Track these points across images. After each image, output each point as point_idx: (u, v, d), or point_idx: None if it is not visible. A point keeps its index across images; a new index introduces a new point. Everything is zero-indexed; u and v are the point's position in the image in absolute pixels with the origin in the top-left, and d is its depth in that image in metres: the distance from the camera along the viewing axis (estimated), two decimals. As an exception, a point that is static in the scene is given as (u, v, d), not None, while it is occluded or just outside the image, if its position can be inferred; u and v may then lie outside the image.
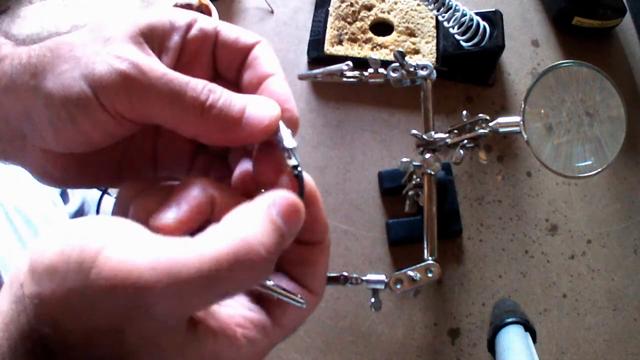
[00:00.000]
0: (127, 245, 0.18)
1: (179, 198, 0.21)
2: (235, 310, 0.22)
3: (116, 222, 0.20)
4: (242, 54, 0.25)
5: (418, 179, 0.54)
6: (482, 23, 0.66)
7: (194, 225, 0.21)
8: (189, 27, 0.24)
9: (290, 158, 0.23)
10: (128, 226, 0.20)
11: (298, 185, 0.23)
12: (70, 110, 0.22)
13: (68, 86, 0.21)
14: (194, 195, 0.21)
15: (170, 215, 0.21)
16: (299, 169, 0.23)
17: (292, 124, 0.24)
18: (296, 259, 0.23)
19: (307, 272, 0.23)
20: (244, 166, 0.24)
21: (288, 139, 0.23)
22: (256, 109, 0.23)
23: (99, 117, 0.22)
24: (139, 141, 0.26)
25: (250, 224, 0.19)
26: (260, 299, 0.23)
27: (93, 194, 0.59)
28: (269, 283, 0.22)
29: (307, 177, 0.23)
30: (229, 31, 0.25)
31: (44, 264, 0.18)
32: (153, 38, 0.23)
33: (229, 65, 0.25)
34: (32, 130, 0.23)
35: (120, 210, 0.23)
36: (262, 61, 0.25)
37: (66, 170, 0.24)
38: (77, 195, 0.56)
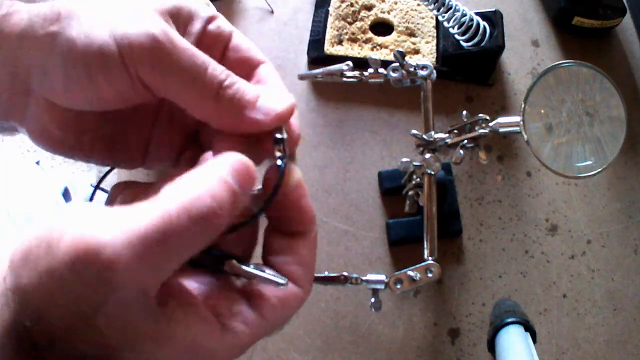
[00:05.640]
0: (88, 220, 0.19)
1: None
2: (216, 301, 0.22)
3: (85, 204, 0.20)
4: (250, 64, 0.25)
5: (418, 179, 0.54)
6: (482, 23, 0.66)
7: None
8: (210, 20, 0.25)
9: (279, 150, 0.24)
10: (94, 206, 0.20)
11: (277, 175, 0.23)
12: (89, 62, 0.22)
13: (93, 37, 0.21)
14: None
15: None
16: (284, 160, 0.23)
17: (294, 142, 0.25)
18: (281, 248, 0.24)
19: (292, 262, 0.23)
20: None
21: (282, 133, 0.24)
22: (271, 97, 0.24)
23: (117, 75, 0.22)
24: (137, 123, 0.27)
25: (202, 182, 0.20)
26: (245, 291, 0.23)
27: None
28: (248, 267, 0.22)
29: (293, 168, 0.24)
30: (243, 39, 0.26)
31: (20, 252, 0.19)
32: (178, 20, 0.24)
33: (234, 71, 0.25)
34: (42, 80, 0.23)
35: (109, 202, 0.23)
36: (269, 81, 0.25)
37: (65, 130, 0.24)
38: (79, 196, 0.56)
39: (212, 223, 0.19)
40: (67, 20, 0.22)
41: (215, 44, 0.25)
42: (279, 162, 0.23)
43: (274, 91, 0.24)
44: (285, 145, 0.24)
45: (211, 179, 0.20)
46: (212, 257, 0.22)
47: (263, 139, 0.24)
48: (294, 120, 0.24)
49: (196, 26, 0.24)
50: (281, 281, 0.22)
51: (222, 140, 0.24)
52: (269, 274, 0.22)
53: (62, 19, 0.22)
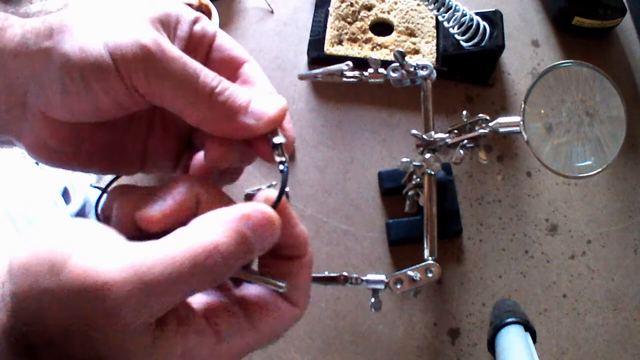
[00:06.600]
0: (95, 250, 0.19)
1: (165, 193, 0.22)
2: (215, 311, 0.22)
3: (88, 226, 0.20)
4: (235, 63, 0.26)
5: (418, 179, 0.54)
6: (482, 23, 0.66)
7: (178, 220, 0.22)
8: (195, 22, 0.25)
9: (279, 154, 0.24)
10: (99, 230, 0.20)
11: (281, 186, 0.23)
12: (85, 74, 0.22)
13: (87, 50, 0.22)
14: (180, 190, 0.22)
15: (156, 208, 0.22)
16: (286, 165, 0.23)
17: (289, 145, 0.25)
18: (278, 272, 0.24)
19: (288, 285, 0.24)
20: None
21: (279, 136, 0.24)
22: (263, 101, 0.24)
23: (114, 85, 0.22)
24: (133, 132, 0.27)
25: (215, 231, 0.20)
26: (243, 303, 0.23)
27: (94, 195, 0.59)
28: (249, 271, 0.22)
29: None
30: (226, 38, 0.26)
31: (19, 263, 0.19)
32: (168, 25, 0.24)
33: (218, 71, 0.25)
34: (39, 95, 0.23)
35: (106, 208, 0.23)
36: (255, 80, 0.26)
37: (63, 142, 0.25)
38: (79, 196, 0.56)
39: (215, 271, 0.20)
40: (61, 35, 0.22)
41: (200, 45, 0.25)
42: (281, 167, 0.23)
43: (266, 94, 0.24)
44: (283, 149, 0.24)
45: (222, 228, 0.20)
46: None
47: (255, 140, 0.24)
48: (288, 124, 0.25)
49: (183, 29, 0.25)
50: (281, 284, 0.22)
51: (214, 142, 0.25)
52: (269, 278, 0.23)
53: (55, 34, 0.22)
